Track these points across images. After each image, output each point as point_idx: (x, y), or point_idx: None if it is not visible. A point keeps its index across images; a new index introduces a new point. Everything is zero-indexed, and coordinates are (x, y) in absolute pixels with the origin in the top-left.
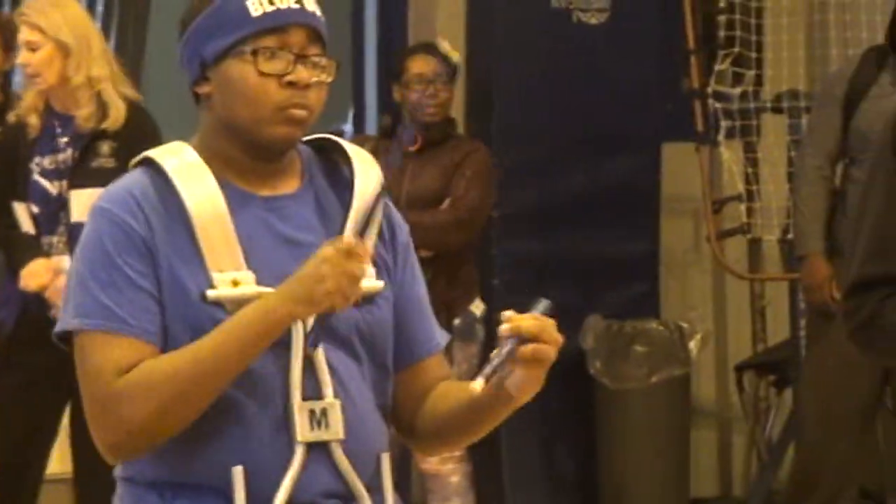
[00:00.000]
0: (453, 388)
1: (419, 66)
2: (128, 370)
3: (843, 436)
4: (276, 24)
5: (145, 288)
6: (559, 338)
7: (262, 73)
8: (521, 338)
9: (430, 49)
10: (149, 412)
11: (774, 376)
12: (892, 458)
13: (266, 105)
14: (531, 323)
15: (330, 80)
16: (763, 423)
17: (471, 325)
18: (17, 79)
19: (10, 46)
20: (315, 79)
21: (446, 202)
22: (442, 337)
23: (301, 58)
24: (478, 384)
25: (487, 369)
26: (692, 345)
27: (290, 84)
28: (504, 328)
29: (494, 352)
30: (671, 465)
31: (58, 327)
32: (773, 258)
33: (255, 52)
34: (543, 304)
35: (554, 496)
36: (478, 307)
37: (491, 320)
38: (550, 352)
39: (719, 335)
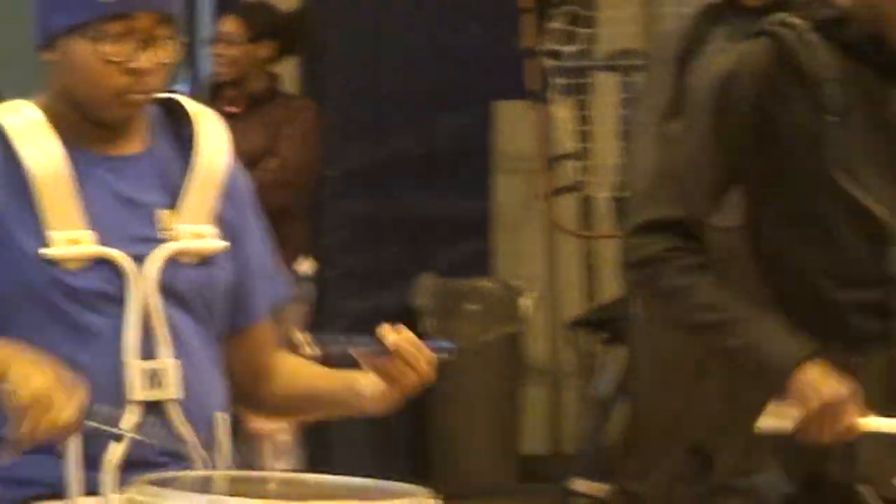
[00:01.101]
0: (306, 369)
1: (218, 26)
2: None
3: (675, 392)
4: (123, 10)
5: None
6: (428, 375)
7: (103, 60)
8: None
9: (237, 8)
10: None
11: (607, 333)
12: (722, 415)
13: (105, 90)
14: (412, 349)
15: (173, 61)
16: (594, 381)
17: (300, 284)
18: None
19: None
20: (157, 62)
21: (272, 161)
22: (279, 297)
23: (146, 42)
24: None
25: (335, 347)
26: (524, 303)
27: (132, 70)
28: (390, 338)
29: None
30: (501, 423)
31: None
32: (605, 216)
33: (97, 38)
34: (446, 347)
35: (383, 453)
36: (308, 265)
37: (322, 278)
38: (415, 383)
39: (552, 293)
